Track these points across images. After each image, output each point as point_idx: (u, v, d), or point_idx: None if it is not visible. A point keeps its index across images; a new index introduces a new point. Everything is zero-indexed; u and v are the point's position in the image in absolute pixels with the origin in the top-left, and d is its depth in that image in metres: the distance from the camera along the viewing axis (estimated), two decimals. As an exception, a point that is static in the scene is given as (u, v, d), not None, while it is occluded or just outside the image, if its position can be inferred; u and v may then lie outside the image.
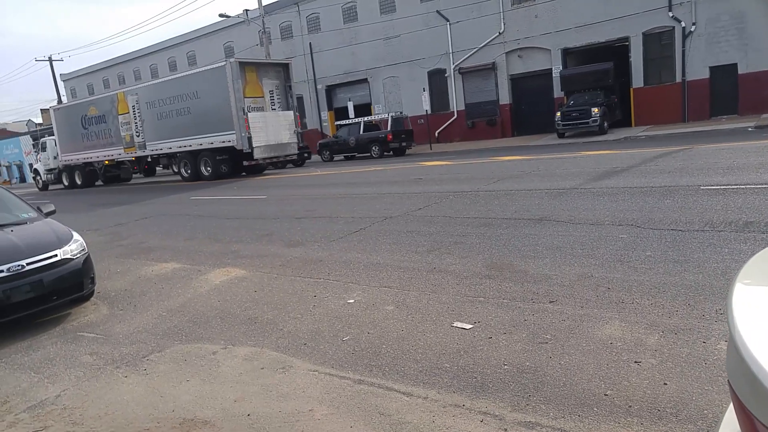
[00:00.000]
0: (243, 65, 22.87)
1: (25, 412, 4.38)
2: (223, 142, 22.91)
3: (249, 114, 22.37)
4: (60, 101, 46.77)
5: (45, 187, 35.27)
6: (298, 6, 36.96)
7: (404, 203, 11.34)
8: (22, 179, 60.72)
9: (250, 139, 22.30)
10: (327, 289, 6.37)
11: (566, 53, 27.89)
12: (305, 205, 13.05)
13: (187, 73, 25.87)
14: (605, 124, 24.17)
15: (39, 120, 69.09)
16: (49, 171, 34.38)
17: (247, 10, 35.93)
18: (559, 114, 24.92)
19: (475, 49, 30.14)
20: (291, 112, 24.49)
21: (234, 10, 37.01)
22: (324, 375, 4.31)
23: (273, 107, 23.96)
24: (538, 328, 4.57)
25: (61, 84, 53.13)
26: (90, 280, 6.88)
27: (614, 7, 25.84)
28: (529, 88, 29.53)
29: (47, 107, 43.14)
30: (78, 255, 6.72)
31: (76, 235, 7.00)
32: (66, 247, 6.65)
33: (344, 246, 8.35)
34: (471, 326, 4.78)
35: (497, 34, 29.29)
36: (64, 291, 6.50)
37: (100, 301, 7.18)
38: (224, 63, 22.69)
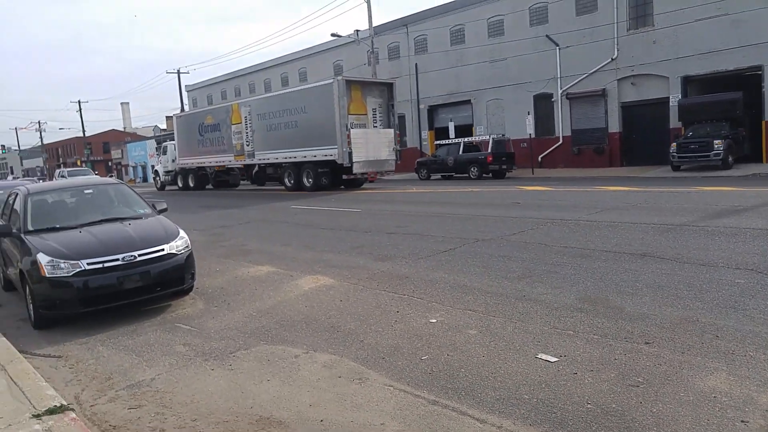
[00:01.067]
0: (349, 83, 23.53)
1: (124, 390, 4.74)
2: (326, 155, 23.59)
3: (351, 130, 22.93)
4: (183, 110, 50.22)
5: (162, 187, 37.88)
6: (407, 27, 37.60)
7: (498, 227, 11.13)
8: (145, 179, 65.80)
9: (350, 154, 22.83)
10: (410, 306, 6.35)
11: (687, 81, 26.27)
12: (397, 221, 13.14)
13: (297, 88, 26.97)
14: (729, 159, 22.34)
15: (163, 126, 74.71)
16: (167, 173, 36.96)
17: (357, 31, 37.01)
18: (674, 145, 23.40)
19: (584, 75, 29.20)
20: (391, 130, 24.86)
21: (345, 31, 38.21)
22: (399, 391, 4.28)
23: (375, 124, 24.42)
24: (629, 370, 4.29)
25: (185, 94, 57.10)
26: (191, 276, 7.32)
27: (745, 33, 23.99)
28: (642, 117, 28.14)
29: (171, 115, 46.47)
30: (182, 251, 7.19)
31: (182, 233, 7.48)
32: (173, 243, 7.14)
33: (432, 264, 8.30)
34: (556, 359, 4.58)
35: (609, 59, 28.21)
36: (167, 283, 6.99)
37: (198, 296, 7.59)
38: (332, 80, 23.44)
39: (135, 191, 8.84)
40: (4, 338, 6.10)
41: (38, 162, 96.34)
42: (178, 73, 53.99)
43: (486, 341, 5.12)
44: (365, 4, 33.81)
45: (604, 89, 28.74)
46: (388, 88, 25.18)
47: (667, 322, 5.22)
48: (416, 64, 37.41)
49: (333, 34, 36.08)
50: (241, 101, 29.21)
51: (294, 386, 4.53)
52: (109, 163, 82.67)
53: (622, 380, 4.13)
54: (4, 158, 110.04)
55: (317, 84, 24.87)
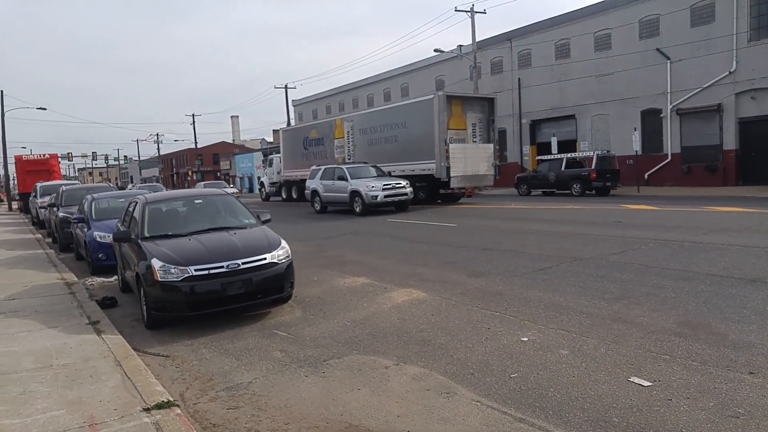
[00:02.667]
0: (450, 98, 23.65)
1: (223, 391, 5.07)
2: (423, 170, 23.81)
3: (450, 145, 23.01)
4: (289, 124, 52.51)
5: (267, 198, 39.65)
6: (510, 42, 37.25)
7: (598, 246, 10.79)
8: (251, 189, 69.16)
9: (448, 168, 22.89)
10: (502, 324, 6.34)
11: (815, 95, 24.16)
12: (493, 236, 13.05)
13: (398, 104, 27.43)
14: None
15: (270, 139, 78.27)
16: (272, 184, 38.67)
17: (461, 46, 37.13)
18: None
19: (698, 89, 27.55)
20: (491, 145, 24.69)
21: (448, 46, 38.42)
22: (486, 407, 4.32)
23: (474, 139, 24.36)
24: (729, 400, 4.09)
25: (291, 108, 59.64)
26: (290, 285, 7.67)
27: None
28: (763, 134, 26.13)
29: (277, 128, 48.65)
30: (283, 260, 7.54)
31: (283, 243, 7.85)
32: (274, 252, 7.51)
33: (526, 282, 8.21)
34: (650, 384, 4.44)
35: (727, 73, 26.47)
36: (267, 291, 7.36)
37: (296, 305, 7.95)
38: (432, 96, 23.66)
39: (241, 202, 9.40)
40: (121, 336, 6.66)
41: (155, 172, 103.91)
42: (286, 88, 56.50)
43: (577, 362, 5.03)
44: (469, 20, 33.93)
45: (719, 104, 27.01)
46: (488, 103, 25.08)
47: (777, 353, 4.90)
48: (519, 78, 36.95)
49: (436, 50, 36.39)
50: (344, 116, 30.10)
51: (383, 396, 4.68)
52: (218, 174, 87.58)
53: (721, 410, 3.94)
54: (126, 168, 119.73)
55: (417, 100, 25.21)
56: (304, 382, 5.14)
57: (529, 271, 8.96)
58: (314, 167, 25.46)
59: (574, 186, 26.49)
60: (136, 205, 8.90)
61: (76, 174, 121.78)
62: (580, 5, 32.60)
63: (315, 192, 24.30)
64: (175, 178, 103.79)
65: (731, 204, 17.85)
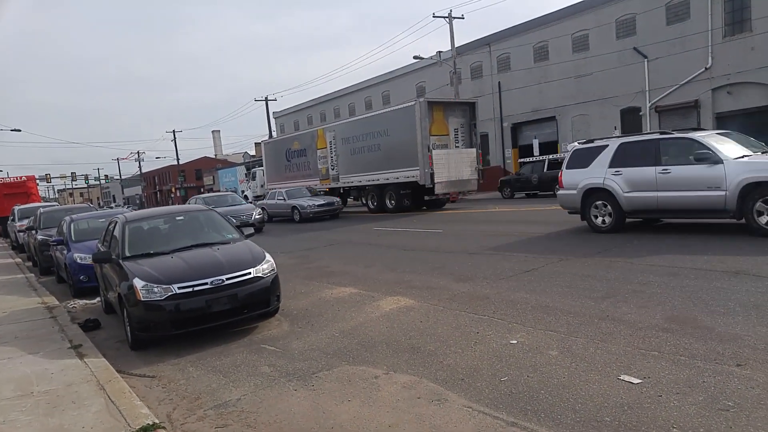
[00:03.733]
0: (431, 104, 23.71)
1: (212, 409, 4.99)
2: (408, 177, 23.84)
3: (433, 151, 23.06)
4: (271, 136, 52.31)
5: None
6: (489, 46, 37.54)
7: (584, 245, 10.83)
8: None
9: (432, 174, 22.93)
10: (490, 327, 6.32)
11: (789, 88, 24.62)
12: (479, 241, 13.05)
13: (379, 112, 27.48)
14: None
15: (252, 152, 78.00)
16: (256, 198, 38.49)
17: (440, 52, 37.32)
18: (776, 156, 21.92)
19: (675, 86, 27.93)
20: (474, 150, 24.79)
21: (428, 52, 38.62)
22: (477, 413, 4.29)
23: (457, 144, 24.43)
24: (718, 393, 4.09)
25: (273, 121, 59.37)
26: (276, 298, 7.59)
27: None
28: (740, 127, 26.34)
29: (260, 141, 48.42)
30: (268, 274, 7.47)
31: (268, 256, 7.78)
32: (259, 266, 7.43)
33: (513, 285, 8.21)
34: (639, 381, 4.43)
35: (703, 69, 26.88)
36: (253, 305, 7.27)
37: (283, 318, 7.88)
38: (414, 102, 23.71)
39: (224, 217, 9.32)
40: (104, 359, 6.50)
41: (137, 190, 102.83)
42: (266, 100, 56.19)
43: (567, 362, 5.02)
44: (447, 26, 34.14)
45: (696, 100, 27.40)
46: (470, 107, 25.18)
47: (761, 343, 4.93)
48: (499, 82, 37.23)
49: (415, 57, 36.54)
50: (326, 126, 30.06)
51: (374, 407, 4.63)
52: (201, 189, 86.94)
53: (711, 404, 3.94)
54: (107, 187, 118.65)
55: (399, 107, 25.25)
56: (294, 396, 5.07)
57: (516, 273, 8.96)
58: (578, 145, 13.48)
59: (558, 187, 26.62)
60: (116, 224, 8.75)
61: (56, 195, 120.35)
62: (557, 7, 32.94)
63: (598, 191, 12.37)
64: (158, 195, 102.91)
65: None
